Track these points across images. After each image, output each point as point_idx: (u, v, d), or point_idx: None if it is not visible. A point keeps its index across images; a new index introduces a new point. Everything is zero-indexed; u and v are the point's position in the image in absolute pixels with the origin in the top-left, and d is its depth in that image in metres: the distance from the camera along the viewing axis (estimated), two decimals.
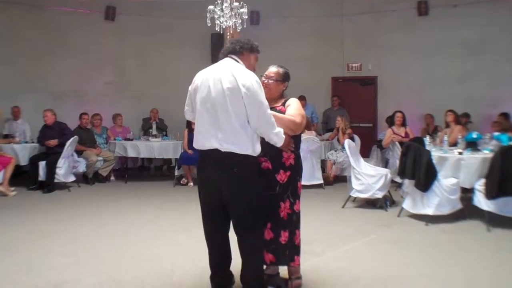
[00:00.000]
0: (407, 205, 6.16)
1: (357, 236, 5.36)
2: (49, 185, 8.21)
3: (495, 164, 5.47)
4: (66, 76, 10.76)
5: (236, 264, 3.48)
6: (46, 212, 6.72)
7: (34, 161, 8.43)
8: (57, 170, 8.26)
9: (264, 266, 3.76)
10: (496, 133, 6.80)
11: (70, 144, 8.46)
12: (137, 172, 10.59)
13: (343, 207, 6.91)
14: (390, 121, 9.02)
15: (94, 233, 5.54)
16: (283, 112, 3.57)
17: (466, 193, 6.14)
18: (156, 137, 9.78)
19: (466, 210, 5.97)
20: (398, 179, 7.49)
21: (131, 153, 9.33)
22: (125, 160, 10.03)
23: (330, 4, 11.38)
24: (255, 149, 3.26)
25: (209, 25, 7.44)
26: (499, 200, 5.46)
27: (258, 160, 3.47)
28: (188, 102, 3.52)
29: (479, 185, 5.71)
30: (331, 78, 11.70)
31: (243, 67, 3.32)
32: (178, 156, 9.18)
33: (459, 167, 6.00)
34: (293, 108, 3.60)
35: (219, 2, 7.47)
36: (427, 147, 6.49)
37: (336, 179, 9.05)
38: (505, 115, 9.12)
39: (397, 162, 6.95)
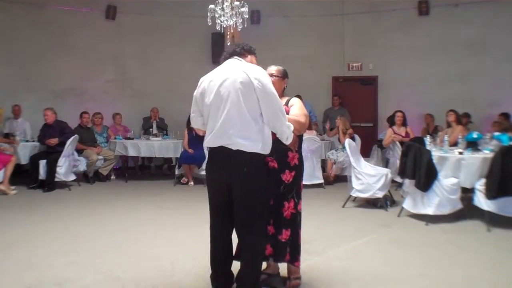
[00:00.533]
0: (407, 204, 6.16)
1: (357, 235, 5.36)
2: (50, 184, 8.22)
3: (495, 164, 5.47)
4: (66, 75, 10.77)
5: (237, 265, 3.48)
6: (47, 211, 6.72)
7: (34, 160, 8.44)
8: (58, 169, 8.27)
9: (264, 266, 3.78)
10: (496, 133, 6.80)
11: (71, 143, 8.46)
12: (137, 171, 10.57)
13: (343, 206, 6.92)
14: (391, 121, 9.02)
15: (94, 232, 5.54)
16: (287, 112, 3.59)
17: (467, 193, 6.13)
18: (156, 136, 9.78)
19: (467, 210, 5.96)
20: (398, 179, 7.49)
21: (131, 152, 9.33)
22: (126, 159, 10.03)
23: (330, 4, 11.36)
24: (265, 147, 3.28)
25: (209, 24, 7.43)
26: (499, 200, 5.46)
27: (265, 159, 3.48)
28: (194, 109, 3.49)
29: (480, 185, 5.71)
30: (331, 77, 11.69)
31: (251, 64, 3.38)
32: (178, 155, 9.19)
33: (459, 167, 5.99)
34: (297, 108, 3.64)
35: (219, 1, 7.46)
36: (428, 147, 6.49)
37: (337, 178, 9.06)
38: (505, 115, 9.11)
39: (398, 161, 6.95)
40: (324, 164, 9.23)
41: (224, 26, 7.70)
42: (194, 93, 3.45)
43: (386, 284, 3.88)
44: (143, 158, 10.73)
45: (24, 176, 8.80)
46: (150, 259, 4.48)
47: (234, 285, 3.58)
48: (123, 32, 11.37)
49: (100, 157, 9.31)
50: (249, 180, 3.23)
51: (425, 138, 7.07)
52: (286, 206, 3.61)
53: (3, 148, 8.35)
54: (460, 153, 6.18)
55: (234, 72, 3.23)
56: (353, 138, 8.33)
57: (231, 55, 3.45)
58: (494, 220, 5.56)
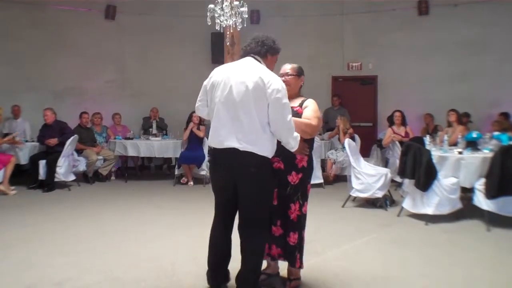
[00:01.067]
0: (407, 204, 6.16)
1: (357, 235, 5.36)
2: (49, 184, 8.21)
3: (495, 164, 5.47)
4: (66, 75, 10.76)
5: (234, 264, 3.49)
6: (46, 211, 6.72)
7: (34, 160, 8.43)
8: (57, 169, 8.26)
9: (264, 266, 3.78)
10: (496, 133, 6.80)
11: (70, 143, 8.45)
12: (137, 171, 10.57)
13: (343, 206, 6.92)
14: (390, 120, 9.02)
15: (94, 232, 5.53)
16: (300, 114, 3.57)
17: (466, 193, 6.14)
18: (156, 136, 9.78)
19: (466, 210, 5.97)
20: (398, 179, 7.49)
21: (131, 152, 9.33)
22: (126, 159, 10.03)
23: (330, 4, 11.37)
24: (272, 151, 3.31)
25: (209, 24, 7.42)
26: (499, 200, 5.47)
27: (271, 160, 3.47)
28: (202, 97, 3.48)
29: (479, 184, 5.72)
30: (331, 77, 11.70)
31: (268, 69, 3.33)
32: (178, 155, 9.18)
33: (459, 167, 6.00)
34: (310, 110, 3.59)
35: (219, 1, 7.45)
36: (427, 147, 6.49)
37: (336, 178, 9.06)
38: (505, 114, 9.12)
39: (397, 161, 6.95)
40: (323, 163, 9.23)
41: (224, 26, 7.69)
42: (205, 83, 3.44)
43: (386, 284, 3.88)
44: (143, 158, 10.73)
45: (23, 176, 8.77)
46: (150, 259, 4.48)
47: (229, 283, 3.60)
48: (123, 32, 11.36)
49: (100, 157, 9.31)
50: (254, 180, 3.24)
51: (424, 138, 7.08)
52: (293, 208, 3.58)
53: (17, 141, 8.38)
54: (460, 152, 6.18)
55: (250, 75, 3.19)
56: (353, 138, 8.32)
57: (251, 52, 3.40)
58: (493, 220, 5.56)
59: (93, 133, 9.72)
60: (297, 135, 3.28)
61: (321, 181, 8.48)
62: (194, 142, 8.86)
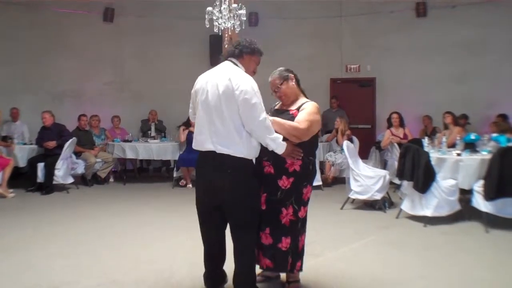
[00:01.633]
0: (405, 206, 6.17)
1: (356, 237, 5.36)
2: (48, 187, 8.20)
3: (493, 166, 5.47)
4: (64, 78, 10.77)
5: (231, 264, 3.49)
6: (45, 213, 6.71)
7: (32, 162, 8.42)
8: (56, 172, 8.25)
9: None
10: (494, 135, 6.80)
11: (69, 145, 8.45)
12: (136, 173, 10.55)
13: (341, 208, 6.92)
14: (389, 122, 9.02)
15: (93, 234, 5.53)
16: (294, 117, 3.50)
17: (465, 195, 6.14)
18: (154, 139, 9.77)
19: (465, 212, 5.97)
20: (396, 181, 7.51)
21: (129, 155, 9.33)
22: (124, 162, 10.02)
23: (328, 5, 11.38)
24: (250, 153, 3.29)
25: (207, 26, 7.44)
26: (497, 201, 5.47)
27: (262, 164, 3.48)
28: (191, 105, 3.58)
29: (478, 186, 5.72)
30: (329, 79, 11.70)
31: (241, 71, 3.34)
32: (176, 158, 9.18)
33: (457, 169, 6.00)
34: (304, 113, 3.51)
35: (217, 3, 7.47)
36: (426, 149, 6.49)
37: (335, 180, 9.05)
38: (503, 116, 9.11)
39: (396, 163, 6.95)
40: (322, 166, 9.23)
41: (222, 28, 7.71)
42: (192, 91, 3.50)
43: (384, 286, 3.88)
44: (141, 160, 10.72)
45: (22, 179, 8.75)
46: (149, 262, 4.47)
47: (227, 284, 3.61)
48: (121, 34, 11.36)
49: (99, 159, 9.30)
50: (233, 182, 3.25)
51: (423, 140, 7.08)
52: (284, 213, 3.48)
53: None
54: (458, 154, 6.19)
55: (222, 78, 3.24)
56: (351, 140, 8.33)
57: (229, 56, 3.46)
58: (492, 222, 5.57)
59: (91, 136, 9.71)
60: (276, 136, 3.26)
61: (320, 183, 8.47)
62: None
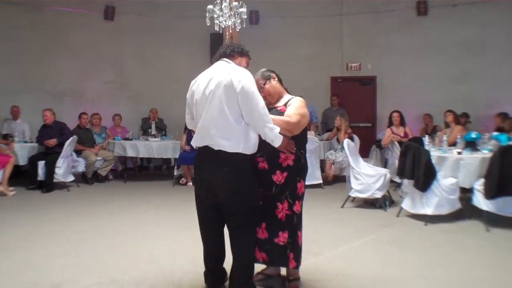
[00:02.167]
0: (406, 205, 6.16)
1: (356, 236, 5.36)
2: (48, 185, 8.21)
3: (494, 164, 5.47)
4: (65, 76, 10.78)
5: (230, 261, 3.49)
6: (45, 212, 6.72)
7: (33, 161, 8.43)
8: (56, 170, 8.26)
9: (264, 266, 3.79)
10: (495, 133, 6.80)
11: (69, 143, 8.45)
12: (136, 172, 10.55)
13: (342, 207, 6.91)
14: (389, 121, 9.01)
15: (93, 233, 5.53)
16: (283, 113, 3.55)
17: (465, 193, 6.14)
18: (155, 137, 9.77)
19: (465, 210, 5.97)
20: (397, 179, 7.50)
21: (130, 153, 9.33)
22: (125, 160, 10.02)
23: (329, 4, 11.38)
24: (247, 147, 3.30)
25: (208, 24, 7.44)
26: (498, 200, 5.46)
27: (256, 160, 3.49)
28: (187, 111, 3.59)
29: (478, 185, 5.71)
30: (330, 77, 11.69)
31: (238, 66, 3.41)
32: (177, 156, 9.18)
33: (458, 167, 5.99)
34: (293, 107, 3.57)
35: (218, 1, 7.47)
36: (426, 147, 6.49)
37: (335, 178, 9.05)
38: (504, 114, 9.04)
39: (396, 162, 6.95)
40: (322, 164, 9.23)
41: (223, 26, 7.71)
42: (187, 96, 3.53)
43: (385, 285, 3.88)
44: (142, 158, 10.72)
45: (22, 177, 8.79)
46: (149, 260, 4.48)
47: (227, 282, 3.60)
48: (122, 33, 11.37)
49: (99, 158, 9.31)
50: (231, 179, 3.27)
51: (423, 138, 7.08)
52: (280, 207, 3.53)
53: (1, 148, 8.34)
54: (459, 153, 6.18)
55: (219, 73, 3.28)
56: (351, 138, 8.33)
57: (221, 56, 3.51)
58: (493, 220, 5.56)
59: (92, 134, 9.72)
60: (274, 127, 3.28)
61: (320, 181, 8.49)
62: None
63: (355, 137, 8.90)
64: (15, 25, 10.24)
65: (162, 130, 10.55)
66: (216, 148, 3.25)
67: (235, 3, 7.46)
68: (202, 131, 3.31)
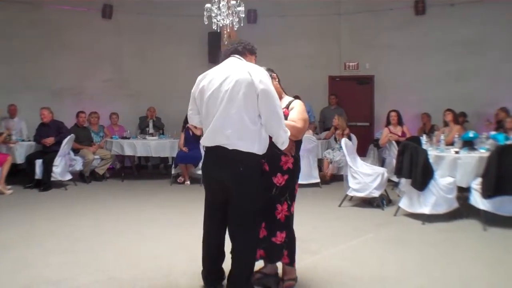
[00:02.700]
0: (403, 204, 6.17)
1: (354, 235, 5.36)
2: (46, 184, 8.20)
3: (491, 163, 5.47)
4: (63, 74, 10.75)
5: (229, 262, 3.49)
6: (43, 210, 6.71)
7: (30, 159, 8.41)
8: (54, 169, 8.25)
9: (262, 265, 3.80)
10: (492, 132, 6.81)
11: (67, 142, 8.44)
12: (134, 170, 10.53)
13: (339, 206, 6.92)
14: (387, 120, 9.02)
15: (90, 231, 5.53)
16: (286, 116, 3.55)
17: (463, 192, 6.14)
18: (153, 136, 9.77)
19: (463, 209, 5.97)
20: (394, 178, 7.50)
21: (128, 152, 9.31)
22: (122, 159, 10.02)
23: (327, 3, 11.37)
24: (261, 147, 3.30)
25: (206, 23, 7.43)
26: (495, 199, 5.47)
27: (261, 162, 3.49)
28: (192, 107, 3.52)
29: (476, 184, 5.72)
30: (328, 76, 11.69)
31: (252, 64, 3.39)
32: (175, 155, 9.17)
33: (455, 166, 5.99)
34: (296, 112, 3.58)
35: (216, 0, 7.46)
36: (424, 146, 6.50)
37: (333, 178, 9.05)
38: (505, 110, 8.95)
39: (394, 161, 6.96)
40: (320, 163, 9.24)
41: (221, 25, 7.70)
42: (192, 91, 3.47)
43: (382, 284, 3.88)
44: (139, 157, 10.70)
45: (20, 175, 8.78)
46: (147, 259, 4.48)
47: (225, 282, 3.60)
48: (120, 31, 11.35)
49: (97, 156, 9.30)
50: (244, 179, 3.25)
51: (421, 138, 7.08)
52: (279, 209, 3.56)
53: (8, 140, 8.40)
54: (456, 152, 6.18)
55: (237, 71, 3.23)
56: (349, 138, 8.33)
57: (232, 53, 3.46)
58: (490, 219, 5.57)
59: (89, 133, 9.70)
60: (287, 129, 3.30)
61: (318, 180, 8.49)
62: (191, 142, 8.84)
63: (353, 136, 8.90)
64: (13, 23, 10.22)
65: (159, 128, 10.55)
66: (230, 148, 3.21)
67: (233, 2, 7.45)
68: (216, 130, 3.25)
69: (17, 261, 4.43)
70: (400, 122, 8.69)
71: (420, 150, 5.95)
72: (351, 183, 6.76)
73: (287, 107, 3.65)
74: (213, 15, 7.46)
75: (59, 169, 8.32)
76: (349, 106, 11.22)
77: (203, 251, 3.59)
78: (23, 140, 9.10)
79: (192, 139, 8.84)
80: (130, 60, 11.45)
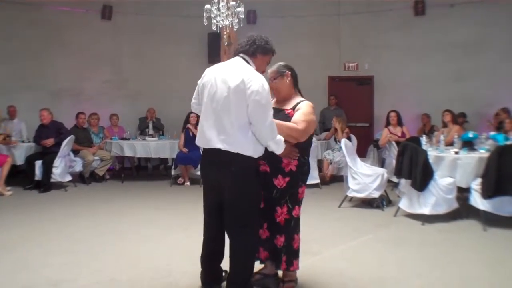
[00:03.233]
0: (403, 204, 6.17)
1: (354, 235, 5.36)
2: (46, 185, 8.19)
3: (491, 164, 5.47)
4: (62, 75, 10.76)
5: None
6: (43, 211, 6.70)
7: (30, 160, 8.41)
8: (54, 170, 8.24)
9: (261, 266, 3.79)
10: (492, 133, 6.81)
11: (67, 143, 8.43)
12: (134, 171, 10.53)
13: (339, 206, 6.92)
14: (387, 120, 9.02)
15: (90, 232, 5.52)
16: (291, 117, 3.50)
17: (463, 193, 6.14)
18: (152, 137, 9.76)
19: (462, 210, 5.98)
20: (394, 179, 7.50)
21: (127, 153, 9.31)
22: (122, 160, 10.01)
23: (327, 4, 11.38)
24: (256, 151, 3.28)
25: (205, 24, 7.43)
26: (495, 200, 5.48)
27: (257, 162, 3.46)
28: (195, 96, 3.53)
29: (475, 184, 5.72)
30: (327, 77, 11.70)
31: (253, 69, 3.32)
32: (174, 156, 9.17)
33: (455, 167, 5.99)
34: (300, 113, 3.50)
35: (215, 1, 7.46)
36: (424, 147, 6.50)
37: (333, 178, 9.05)
38: (506, 110, 8.93)
39: (394, 161, 6.96)
40: (320, 164, 9.24)
41: (220, 26, 7.70)
42: (198, 82, 3.48)
43: (383, 284, 3.88)
44: (139, 158, 10.70)
45: (20, 177, 8.77)
46: (147, 260, 4.47)
47: (224, 283, 3.60)
48: (119, 32, 11.35)
49: (96, 157, 9.30)
50: (237, 180, 3.25)
51: (421, 138, 7.08)
52: (279, 211, 3.52)
53: (9, 141, 8.40)
54: (456, 152, 6.18)
55: (233, 75, 3.21)
56: (349, 138, 8.33)
57: (241, 52, 3.41)
58: (490, 220, 5.57)
59: (89, 134, 9.70)
60: (280, 138, 3.27)
61: (318, 181, 8.47)
62: (191, 143, 8.82)
63: (353, 137, 8.92)
64: (12, 24, 10.23)
65: (159, 129, 10.54)
66: (223, 150, 3.21)
67: (233, 3, 7.45)
68: (208, 134, 3.27)
69: (17, 262, 4.43)
70: (399, 123, 8.70)
71: (420, 150, 5.95)
72: (351, 183, 6.76)
73: (293, 108, 3.57)
74: (212, 15, 7.46)
75: (59, 170, 8.32)
76: (348, 107, 11.23)
77: (202, 252, 3.58)
78: (22, 141, 9.09)
79: (192, 140, 8.79)
80: (129, 61, 11.45)
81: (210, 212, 3.50)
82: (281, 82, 3.66)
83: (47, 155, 8.30)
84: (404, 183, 6.36)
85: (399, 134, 8.49)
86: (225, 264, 3.56)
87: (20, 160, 8.64)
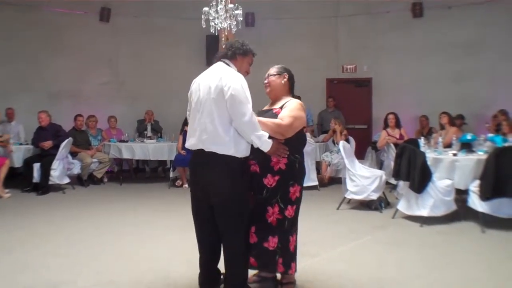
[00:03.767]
0: (401, 206, 6.17)
1: (352, 237, 5.36)
2: (44, 187, 8.18)
3: (489, 166, 5.48)
4: (61, 77, 10.76)
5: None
6: (41, 214, 6.69)
7: (28, 163, 8.40)
8: (52, 172, 8.23)
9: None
10: (490, 135, 6.82)
11: (65, 146, 8.42)
12: (132, 174, 10.52)
13: (338, 208, 6.92)
14: (385, 123, 9.04)
15: (89, 234, 5.52)
16: (277, 115, 3.50)
17: (461, 195, 6.14)
18: (151, 139, 9.76)
19: (461, 212, 5.98)
20: (392, 181, 7.51)
21: (126, 155, 9.31)
22: (120, 162, 10.00)
23: (325, 6, 11.41)
24: (239, 150, 3.29)
25: (204, 27, 7.43)
26: (493, 201, 5.48)
27: (248, 163, 3.47)
28: (188, 107, 3.58)
29: (474, 186, 5.72)
30: (326, 79, 11.72)
31: (232, 70, 3.40)
32: (173, 158, 9.17)
33: (453, 169, 6.00)
34: (287, 110, 3.51)
35: (214, 3, 7.47)
36: (422, 149, 6.50)
37: (331, 180, 9.06)
38: (504, 112, 8.94)
39: (392, 163, 6.96)
40: (318, 166, 9.24)
41: (218, 28, 7.71)
42: (188, 94, 3.54)
43: (381, 285, 3.88)
44: (137, 160, 10.69)
45: (18, 179, 8.75)
46: (145, 262, 4.47)
47: (222, 285, 3.61)
48: (118, 34, 11.35)
49: (95, 160, 9.29)
50: (223, 180, 3.27)
51: (419, 140, 7.09)
52: (270, 211, 3.47)
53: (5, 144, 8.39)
54: (454, 154, 6.19)
55: (212, 79, 3.30)
56: (347, 140, 8.34)
57: (221, 57, 3.51)
58: (488, 221, 5.58)
59: (87, 136, 9.69)
60: (263, 133, 3.28)
61: (316, 183, 8.48)
62: None
63: (351, 139, 8.93)
64: (10, 25, 10.23)
65: (157, 132, 10.54)
66: (207, 151, 3.27)
67: (231, 5, 7.46)
68: (194, 137, 3.34)
69: (16, 263, 4.42)
70: (398, 125, 8.71)
71: (418, 152, 5.96)
72: (349, 185, 6.76)
73: (281, 107, 3.57)
74: (211, 18, 7.47)
75: (57, 173, 8.31)
76: (347, 109, 11.25)
77: (199, 253, 3.58)
78: (20, 144, 9.08)
79: None
80: (127, 63, 11.45)
81: (199, 215, 3.50)
82: (276, 80, 3.72)
83: (45, 158, 8.29)
84: (402, 185, 6.36)
85: (397, 136, 8.51)
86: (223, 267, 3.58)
87: (18, 163, 8.62)
